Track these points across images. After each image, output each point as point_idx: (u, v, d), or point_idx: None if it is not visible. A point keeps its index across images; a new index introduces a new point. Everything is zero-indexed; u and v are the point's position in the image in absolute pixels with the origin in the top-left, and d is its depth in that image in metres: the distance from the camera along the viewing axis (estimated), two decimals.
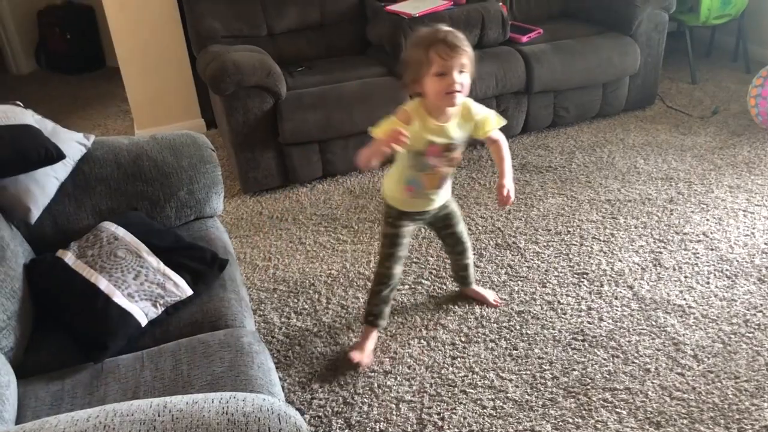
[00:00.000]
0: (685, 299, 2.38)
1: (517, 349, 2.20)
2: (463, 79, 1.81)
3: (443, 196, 2.12)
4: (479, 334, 2.28)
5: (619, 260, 2.62)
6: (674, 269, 2.55)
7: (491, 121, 2.00)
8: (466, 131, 1.98)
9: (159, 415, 1.04)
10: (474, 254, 2.44)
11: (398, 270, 2.17)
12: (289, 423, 1.07)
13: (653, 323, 2.28)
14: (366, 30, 3.70)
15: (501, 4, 3.68)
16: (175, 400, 1.08)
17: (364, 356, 2.18)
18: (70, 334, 1.67)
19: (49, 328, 1.72)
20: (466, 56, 1.80)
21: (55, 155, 1.80)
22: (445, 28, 1.84)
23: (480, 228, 2.88)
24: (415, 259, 2.70)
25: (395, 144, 1.77)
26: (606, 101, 3.78)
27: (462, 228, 2.28)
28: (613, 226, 2.84)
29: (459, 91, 1.82)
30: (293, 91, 3.19)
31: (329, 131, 3.19)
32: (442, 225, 2.24)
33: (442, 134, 1.92)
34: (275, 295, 2.55)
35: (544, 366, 2.13)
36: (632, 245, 2.71)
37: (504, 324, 2.32)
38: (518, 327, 2.30)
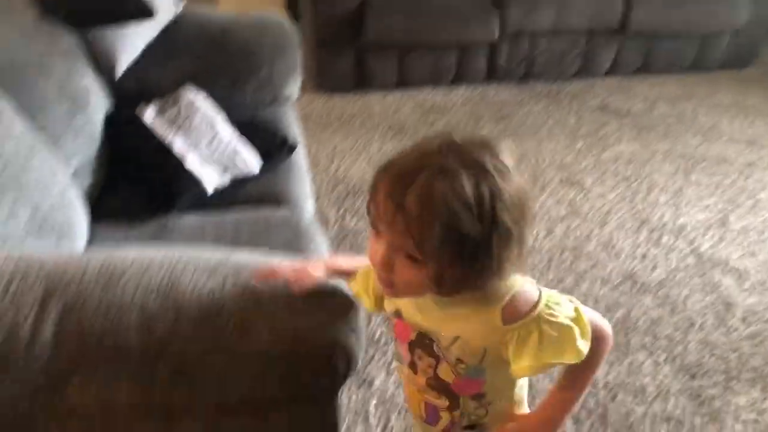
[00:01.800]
0: (744, 264, 2.32)
1: (562, 282, 2.20)
2: (399, 266, 0.84)
3: None
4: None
5: (685, 215, 2.55)
6: (739, 233, 2.47)
7: (568, 353, 0.89)
8: (479, 346, 0.92)
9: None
10: (536, 187, 2.41)
11: None
12: None
13: (707, 281, 2.23)
14: None
15: None
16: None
17: None
18: (139, 189, 1.73)
19: (118, 183, 1.78)
20: (413, 233, 0.79)
21: (150, 9, 1.82)
22: (429, 154, 0.81)
23: (547, 161, 2.83)
24: None
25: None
26: (701, 54, 3.60)
27: None
28: (684, 181, 2.76)
29: (385, 285, 0.89)
30: None
31: (412, 38, 3.13)
32: None
33: (411, 314, 0.97)
34: (334, 193, 2.59)
35: (587, 303, 2.12)
36: (701, 202, 2.63)
37: (554, 258, 2.31)
38: (568, 263, 2.29)
